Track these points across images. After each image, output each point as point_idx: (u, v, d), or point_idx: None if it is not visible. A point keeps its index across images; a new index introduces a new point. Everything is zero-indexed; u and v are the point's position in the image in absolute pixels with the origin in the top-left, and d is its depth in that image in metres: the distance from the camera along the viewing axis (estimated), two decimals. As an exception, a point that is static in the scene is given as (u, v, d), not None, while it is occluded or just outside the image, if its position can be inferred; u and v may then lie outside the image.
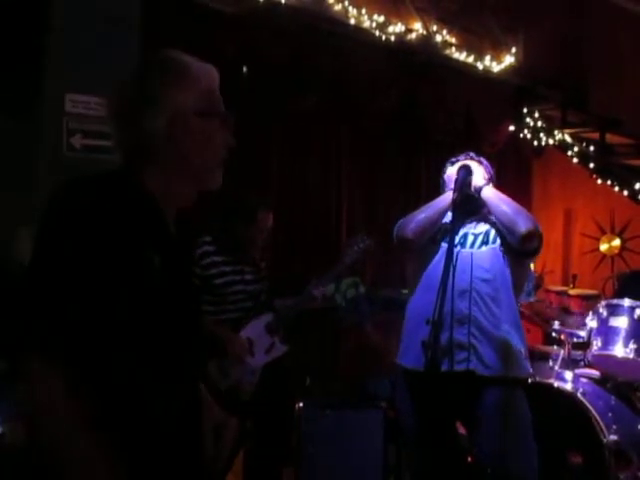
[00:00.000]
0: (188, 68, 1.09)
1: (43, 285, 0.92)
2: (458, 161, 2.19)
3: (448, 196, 2.08)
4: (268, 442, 2.59)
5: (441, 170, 2.26)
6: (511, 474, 1.94)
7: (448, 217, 2.10)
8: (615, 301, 2.95)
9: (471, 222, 2.16)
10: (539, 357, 3.38)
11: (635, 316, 2.80)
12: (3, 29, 2.05)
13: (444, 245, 2.05)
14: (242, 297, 2.44)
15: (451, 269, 1.75)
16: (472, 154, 2.23)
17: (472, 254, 2.06)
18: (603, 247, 4.79)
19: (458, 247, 2.05)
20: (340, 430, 2.72)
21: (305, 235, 3.78)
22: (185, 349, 1.06)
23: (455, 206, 2.01)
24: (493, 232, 2.13)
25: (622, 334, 2.80)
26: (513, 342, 2.01)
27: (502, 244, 2.09)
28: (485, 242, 2.11)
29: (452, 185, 2.09)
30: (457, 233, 2.04)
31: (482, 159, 2.23)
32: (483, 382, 1.97)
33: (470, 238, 2.12)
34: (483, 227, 2.16)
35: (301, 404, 2.72)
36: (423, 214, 2.11)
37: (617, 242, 4.73)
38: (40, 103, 2.20)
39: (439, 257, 2.03)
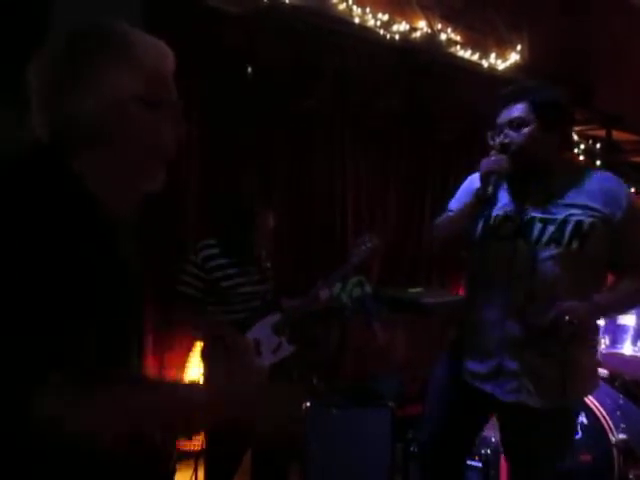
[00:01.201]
0: (133, 45, 0.94)
1: None
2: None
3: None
4: (275, 441, 2.59)
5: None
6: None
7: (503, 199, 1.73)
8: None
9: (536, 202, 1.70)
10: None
11: (643, 314, 2.79)
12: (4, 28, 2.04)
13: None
14: (249, 298, 2.44)
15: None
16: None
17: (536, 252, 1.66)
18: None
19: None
20: (347, 429, 2.72)
21: (311, 236, 3.78)
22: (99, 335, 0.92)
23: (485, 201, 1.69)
24: (574, 225, 1.64)
25: (630, 332, 2.79)
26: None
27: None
28: (557, 240, 1.66)
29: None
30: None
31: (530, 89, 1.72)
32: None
33: (536, 229, 1.68)
34: (559, 213, 1.67)
35: (308, 403, 2.73)
36: (449, 222, 1.80)
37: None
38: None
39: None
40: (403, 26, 3.83)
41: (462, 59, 4.13)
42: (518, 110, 1.68)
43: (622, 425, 2.71)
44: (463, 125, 4.15)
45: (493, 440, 2.57)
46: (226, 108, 3.31)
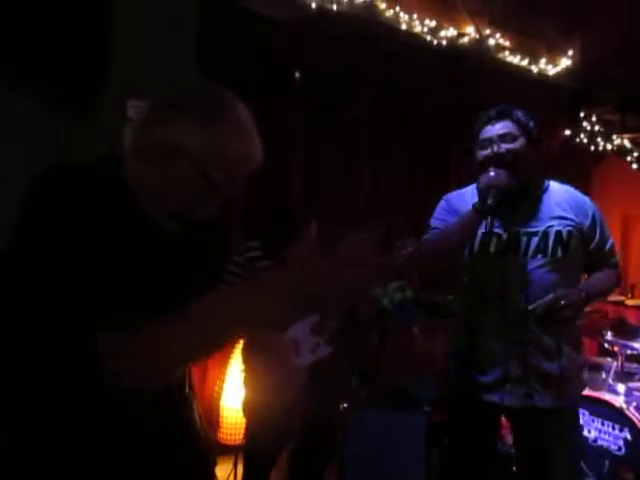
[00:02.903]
0: (222, 120, 1.01)
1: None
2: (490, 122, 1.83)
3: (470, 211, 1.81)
4: (313, 441, 2.63)
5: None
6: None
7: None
8: (672, 312, 2.84)
9: (521, 218, 1.84)
10: (592, 368, 3.30)
11: (694, 328, 2.70)
12: (69, 27, 2.14)
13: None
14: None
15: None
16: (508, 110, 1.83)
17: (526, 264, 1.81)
18: (663, 256, 4.61)
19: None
20: (383, 432, 2.74)
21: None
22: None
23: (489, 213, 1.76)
24: (555, 235, 1.82)
25: (679, 346, 2.70)
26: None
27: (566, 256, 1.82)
28: (542, 250, 1.82)
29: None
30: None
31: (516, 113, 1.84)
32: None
33: (522, 242, 1.83)
34: (542, 225, 1.84)
35: (346, 405, 2.76)
36: (446, 237, 1.86)
37: (679, 251, 4.54)
38: (103, 106, 2.30)
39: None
40: (450, 32, 3.82)
41: (511, 64, 4.09)
42: (506, 127, 1.81)
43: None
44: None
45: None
46: (274, 113, 3.39)
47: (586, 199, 1.94)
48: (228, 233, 1.36)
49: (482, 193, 1.80)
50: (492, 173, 1.78)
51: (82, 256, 0.93)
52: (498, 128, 1.81)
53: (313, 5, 3.33)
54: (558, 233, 1.84)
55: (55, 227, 0.94)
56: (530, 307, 1.77)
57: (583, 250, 1.88)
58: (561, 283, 1.81)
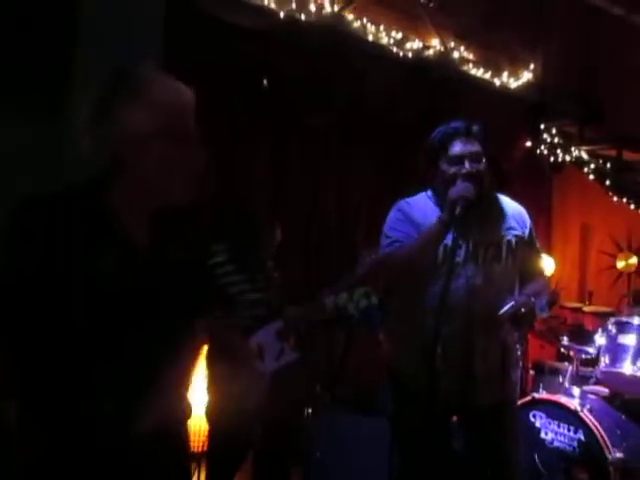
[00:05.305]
0: (147, 86, 1.08)
1: None
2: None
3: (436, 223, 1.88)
4: (277, 444, 2.65)
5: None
6: (510, 476, 1.98)
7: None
8: (624, 319, 2.96)
9: (478, 230, 1.94)
10: (550, 372, 3.40)
11: (644, 334, 2.81)
12: (33, 38, 2.14)
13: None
14: (254, 305, 2.52)
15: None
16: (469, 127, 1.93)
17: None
18: (620, 264, 4.77)
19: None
20: (348, 436, 2.77)
21: (322, 246, 3.85)
22: (124, 349, 1.07)
23: (453, 224, 1.84)
24: (507, 244, 1.96)
25: (630, 352, 2.82)
26: None
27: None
28: (498, 259, 1.95)
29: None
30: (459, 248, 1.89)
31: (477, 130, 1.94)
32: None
33: (480, 252, 1.95)
34: (496, 235, 1.97)
35: (310, 409, 2.79)
36: (412, 250, 1.91)
37: (634, 260, 4.70)
38: (68, 110, 2.29)
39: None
40: (416, 44, 3.91)
41: (475, 77, 4.19)
42: (475, 146, 1.93)
43: (624, 444, 2.73)
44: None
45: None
46: (242, 120, 3.41)
47: (523, 210, 2.08)
48: (205, 240, 1.39)
49: (449, 205, 1.86)
50: (461, 186, 1.87)
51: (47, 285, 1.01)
52: (470, 147, 1.91)
53: (281, 14, 3.37)
54: (509, 242, 1.98)
55: (26, 257, 1.03)
56: (499, 313, 1.85)
57: (523, 258, 2.01)
58: (510, 289, 1.96)
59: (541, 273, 2.16)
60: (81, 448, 1.05)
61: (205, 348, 2.69)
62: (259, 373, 2.47)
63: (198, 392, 2.83)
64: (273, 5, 3.36)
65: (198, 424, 3.19)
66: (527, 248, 2.03)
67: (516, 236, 2.00)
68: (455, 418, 2.10)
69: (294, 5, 3.39)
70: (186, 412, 1.27)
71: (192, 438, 3.21)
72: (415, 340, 1.92)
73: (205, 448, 2.60)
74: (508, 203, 2.06)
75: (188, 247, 1.21)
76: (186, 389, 1.27)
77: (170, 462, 1.17)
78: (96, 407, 1.04)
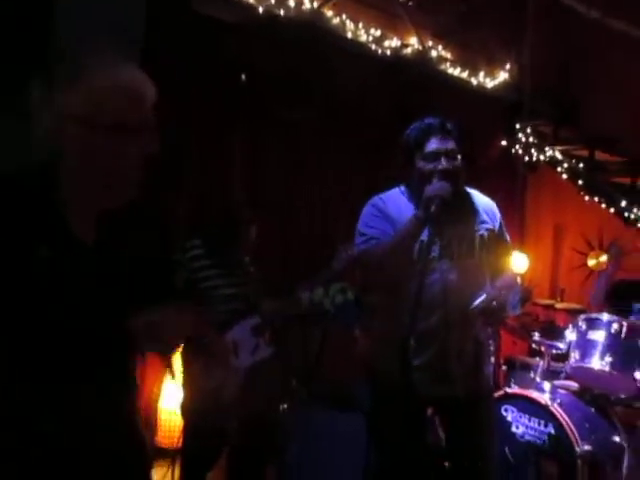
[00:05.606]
0: (90, 72, 1.07)
1: None
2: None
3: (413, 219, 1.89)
4: (252, 441, 2.65)
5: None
6: (486, 469, 2.01)
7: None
8: (594, 315, 3.03)
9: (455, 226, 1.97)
10: (522, 368, 3.46)
11: (612, 330, 2.88)
12: (7, 37, 2.11)
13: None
14: (230, 300, 2.51)
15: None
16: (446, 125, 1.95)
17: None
18: (591, 263, 4.87)
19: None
20: (324, 432, 2.79)
21: (299, 242, 3.85)
22: (69, 346, 1.04)
23: (432, 221, 1.85)
24: (479, 239, 1.99)
25: (599, 347, 2.88)
26: None
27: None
28: (471, 254, 1.98)
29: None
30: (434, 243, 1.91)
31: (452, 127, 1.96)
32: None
33: (455, 247, 1.98)
34: (470, 230, 2.00)
35: (286, 405, 2.79)
36: (390, 246, 1.91)
37: (604, 258, 4.81)
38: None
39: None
40: (395, 42, 3.93)
41: (452, 76, 4.23)
42: (452, 143, 1.95)
43: (592, 437, 2.80)
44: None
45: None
46: (219, 114, 3.39)
47: (493, 204, 2.11)
48: (168, 235, 1.37)
49: (425, 202, 1.87)
50: (438, 184, 1.88)
51: None
52: (446, 144, 1.93)
53: (260, 9, 3.36)
54: (482, 237, 2.02)
55: None
56: (471, 307, 1.88)
57: (494, 251, 2.05)
58: (484, 281, 1.99)
59: (510, 266, 2.21)
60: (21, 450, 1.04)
61: (180, 345, 2.68)
62: (234, 369, 2.47)
63: (173, 388, 2.82)
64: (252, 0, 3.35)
65: (173, 420, 3.18)
66: (498, 241, 2.07)
67: (488, 230, 2.03)
68: (430, 412, 2.13)
69: (273, 0, 3.38)
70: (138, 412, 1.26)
71: (167, 435, 3.21)
72: (391, 336, 1.92)
73: (180, 444, 2.59)
74: (479, 197, 2.09)
75: (142, 242, 1.19)
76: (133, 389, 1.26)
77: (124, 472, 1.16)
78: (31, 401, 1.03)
